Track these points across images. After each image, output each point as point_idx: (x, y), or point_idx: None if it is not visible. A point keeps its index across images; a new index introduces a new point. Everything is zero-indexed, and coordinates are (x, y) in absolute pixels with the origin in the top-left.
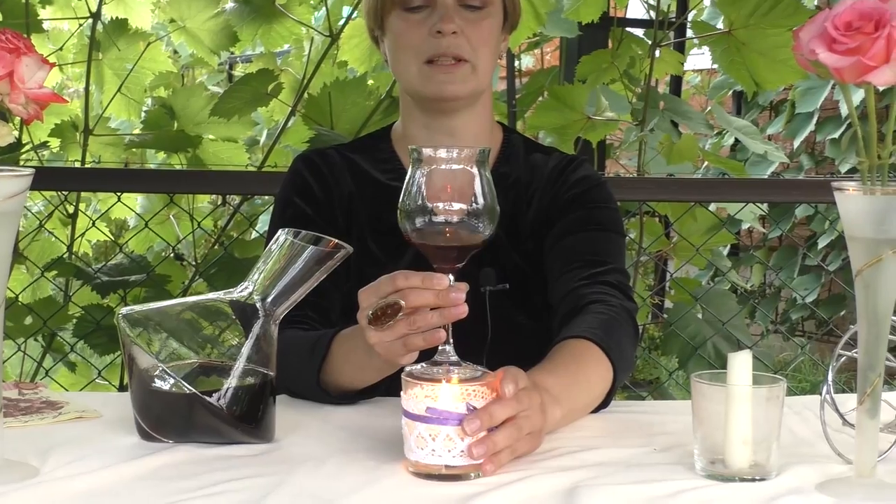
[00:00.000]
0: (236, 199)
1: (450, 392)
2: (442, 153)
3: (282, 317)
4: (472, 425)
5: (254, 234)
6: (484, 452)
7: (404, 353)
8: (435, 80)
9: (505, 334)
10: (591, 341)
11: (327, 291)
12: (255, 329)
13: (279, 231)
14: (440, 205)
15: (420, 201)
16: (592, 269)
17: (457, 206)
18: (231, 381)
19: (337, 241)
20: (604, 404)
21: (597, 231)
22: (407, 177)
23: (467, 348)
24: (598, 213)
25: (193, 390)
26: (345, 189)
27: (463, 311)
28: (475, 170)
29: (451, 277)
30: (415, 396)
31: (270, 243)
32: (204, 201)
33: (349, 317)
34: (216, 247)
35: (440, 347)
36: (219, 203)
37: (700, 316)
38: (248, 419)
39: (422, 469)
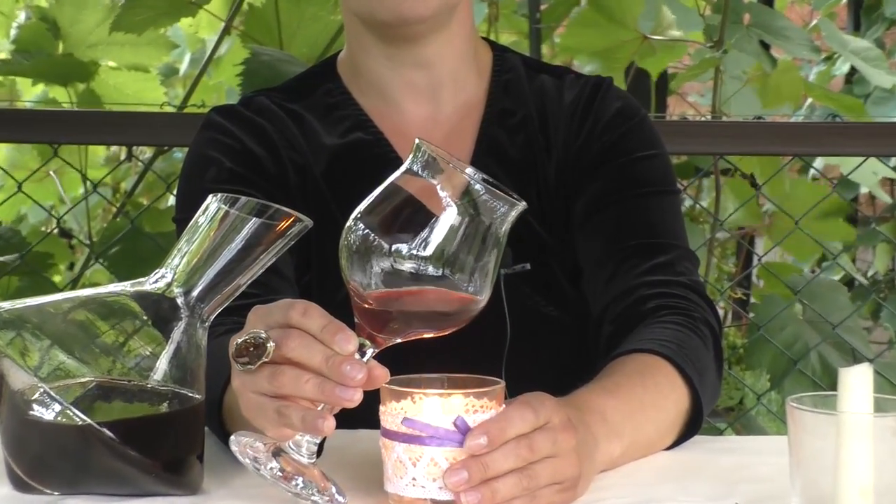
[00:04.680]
0: (147, 153)
1: (433, 402)
2: (480, 190)
3: (213, 317)
4: (454, 477)
5: (171, 201)
6: (477, 502)
7: (273, 422)
8: None
9: (528, 330)
10: (662, 357)
11: (277, 285)
12: (176, 335)
13: (209, 198)
14: (422, 246)
15: (402, 230)
16: (652, 259)
17: (441, 253)
18: (141, 408)
19: (291, 211)
20: (677, 442)
21: (648, 196)
22: (390, 182)
23: (482, 351)
24: (644, 166)
25: (88, 420)
26: (297, 150)
27: (349, 399)
28: (503, 222)
29: (370, 350)
30: (392, 410)
31: (197, 214)
32: (101, 155)
33: None
34: (119, 218)
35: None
36: (122, 157)
37: (801, 316)
38: (166, 461)
39: None
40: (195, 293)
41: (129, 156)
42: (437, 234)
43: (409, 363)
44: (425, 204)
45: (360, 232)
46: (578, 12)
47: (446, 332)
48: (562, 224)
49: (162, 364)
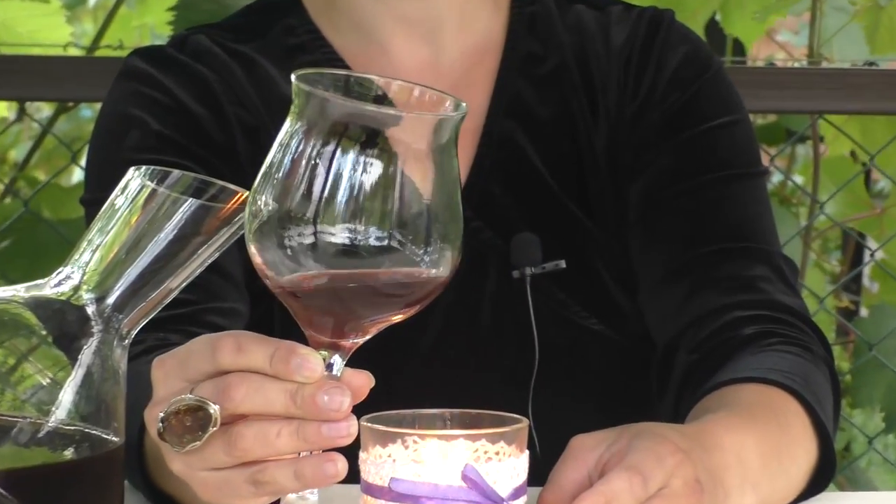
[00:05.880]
0: (45, 110)
1: (432, 446)
2: (399, 88)
3: (135, 332)
4: None
5: (79, 176)
6: None
7: (250, 495)
8: None
9: (563, 349)
10: (790, 392)
11: (220, 288)
12: (85, 356)
13: (130, 171)
14: (350, 207)
15: (309, 193)
16: (745, 270)
17: (383, 209)
18: (39, 454)
19: (240, 189)
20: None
21: (731, 180)
22: (282, 135)
23: (502, 376)
24: (725, 138)
25: None
26: (249, 107)
27: (344, 436)
28: (438, 142)
29: (338, 360)
30: (376, 458)
31: (114, 193)
32: None
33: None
34: (8, 199)
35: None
36: (13, 117)
37: None
38: None
39: None
40: (111, 300)
41: (21, 114)
42: (357, 191)
43: (403, 394)
44: (336, 159)
45: (270, 208)
46: None
47: (422, 306)
48: (611, 211)
49: (67, 395)
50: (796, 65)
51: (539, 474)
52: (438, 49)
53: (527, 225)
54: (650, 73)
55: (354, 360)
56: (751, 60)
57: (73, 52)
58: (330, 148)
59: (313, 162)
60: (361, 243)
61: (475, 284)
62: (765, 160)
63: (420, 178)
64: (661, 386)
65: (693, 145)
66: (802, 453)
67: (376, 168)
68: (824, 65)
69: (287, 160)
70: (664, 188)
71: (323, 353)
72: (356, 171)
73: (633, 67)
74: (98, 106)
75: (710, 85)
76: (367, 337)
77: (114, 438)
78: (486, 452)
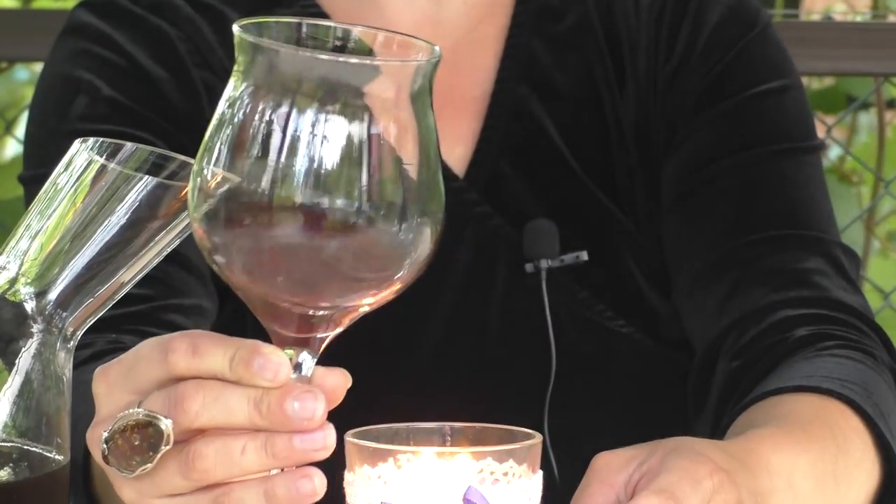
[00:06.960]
0: None
1: (430, 465)
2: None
3: (81, 333)
4: None
5: (15, 150)
6: None
7: None
8: None
9: (585, 355)
10: (847, 403)
11: (181, 282)
12: (24, 360)
13: (76, 144)
14: (319, 180)
15: (263, 162)
16: (798, 262)
17: (353, 180)
18: None
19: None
20: None
21: (781, 156)
22: (227, 96)
23: (515, 386)
24: (773, 107)
25: None
26: (216, 69)
27: (319, 448)
28: (411, 93)
29: (307, 358)
30: (364, 479)
31: (56, 170)
32: None
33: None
34: None
35: None
36: None
37: None
38: None
39: None
40: (54, 295)
41: None
42: (319, 158)
43: (399, 411)
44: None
45: (219, 181)
46: None
47: (401, 289)
48: (642, 194)
49: (2, 406)
50: (858, 18)
51: (557, 499)
52: (439, 3)
53: (542, 210)
54: (686, 29)
55: None
56: (805, 14)
57: (7, 2)
58: (284, 108)
59: (266, 126)
60: (327, 218)
61: (482, 281)
62: (820, 131)
63: (392, 139)
64: (698, 397)
65: (736, 115)
66: (863, 476)
67: (339, 129)
68: (891, 19)
69: (236, 124)
70: (702, 166)
71: (289, 351)
72: (315, 133)
73: (665, 23)
74: (37, 67)
75: (756, 44)
76: (340, 329)
77: (57, 457)
78: (492, 473)
